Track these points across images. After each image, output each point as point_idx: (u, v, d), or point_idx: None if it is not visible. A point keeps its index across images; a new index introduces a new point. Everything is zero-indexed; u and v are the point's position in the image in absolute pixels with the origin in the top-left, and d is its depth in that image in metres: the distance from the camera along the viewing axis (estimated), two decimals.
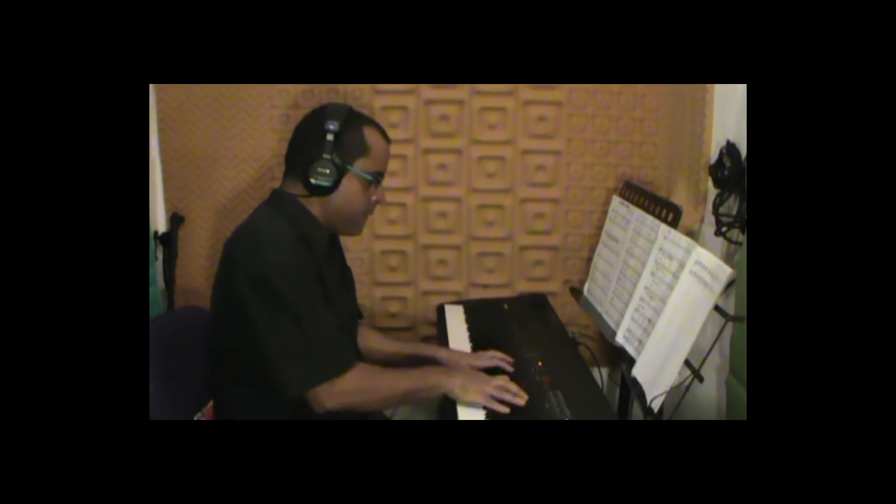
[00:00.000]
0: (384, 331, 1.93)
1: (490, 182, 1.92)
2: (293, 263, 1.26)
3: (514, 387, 1.33)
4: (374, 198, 1.41)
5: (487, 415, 1.28)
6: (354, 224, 1.42)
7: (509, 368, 1.47)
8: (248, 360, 1.29)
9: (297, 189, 1.36)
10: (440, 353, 1.56)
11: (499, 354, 1.51)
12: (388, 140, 1.42)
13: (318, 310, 1.28)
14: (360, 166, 1.36)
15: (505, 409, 1.28)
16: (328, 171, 1.32)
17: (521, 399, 1.30)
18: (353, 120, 1.36)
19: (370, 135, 1.37)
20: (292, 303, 1.24)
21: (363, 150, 1.35)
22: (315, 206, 1.36)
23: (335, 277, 1.46)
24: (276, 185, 1.48)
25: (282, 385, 1.26)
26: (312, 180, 1.32)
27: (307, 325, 1.26)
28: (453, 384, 1.32)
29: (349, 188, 1.35)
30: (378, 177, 1.40)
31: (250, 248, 1.27)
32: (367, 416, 1.50)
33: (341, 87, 1.85)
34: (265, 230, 1.31)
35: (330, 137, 1.32)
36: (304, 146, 1.36)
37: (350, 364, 1.29)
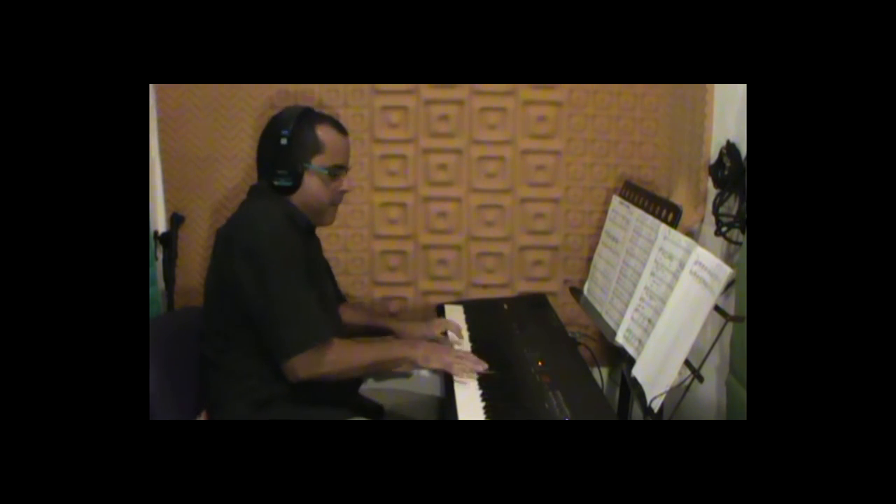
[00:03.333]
0: None
1: (490, 182, 1.92)
2: (285, 238, 1.36)
3: (472, 357, 1.44)
4: (339, 189, 1.49)
5: (487, 415, 1.29)
6: (323, 214, 1.50)
7: (457, 337, 1.62)
8: (243, 334, 1.36)
9: (268, 189, 1.45)
10: (396, 325, 1.72)
11: (451, 323, 1.66)
12: (343, 133, 1.49)
13: (301, 284, 1.36)
14: (316, 163, 1.43)
15: (467, 378, 1.39)
16: (286, 172, 1.41)
17: (481, 366, 1.42)
18: (305, 121, 1.44)
19: (323, 132, 1.44)
20: (281, 273, 1.33)
21: (317, 147, 1.43)
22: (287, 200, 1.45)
23: (318, 261, 1.55)
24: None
25: (276, 350, 1.34)
26: (275, 182, 1.42)
27: (292, 296, 1.34)
28: (416, 355, 1.43)
29: (310, 184, 1.44)
30: (336, 169, 1.47)
31: (247, 227, 1.37)
32: (361, 408, 1.51)
33: (341, 87, 1.85)
34: (259, 211, 1.40)
35: (284, 141, 1.40)
36: (265, 152, 1.45)
37: (326, 338, 1.35)
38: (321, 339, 1.34)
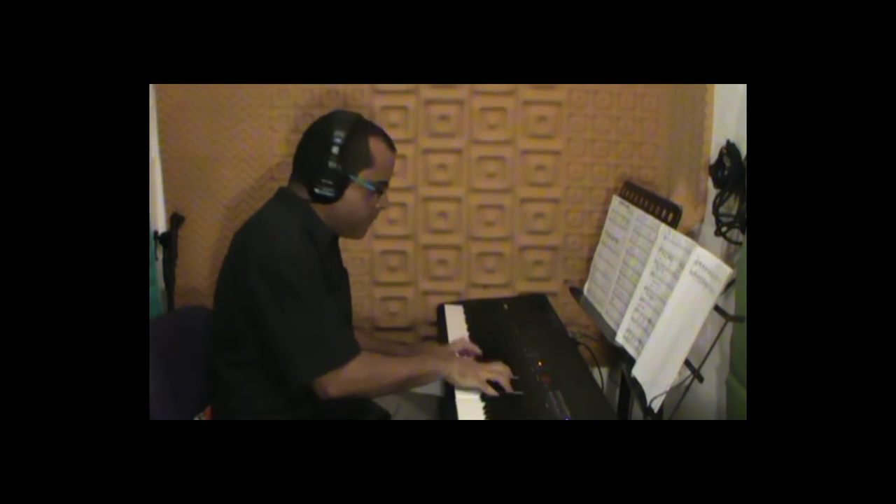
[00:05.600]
0: (384, 331, 1.95)
1: (490, 182, 1.92)
2: (302, 256, 1.30)
3: (507, 372, 1.38)
4: (377, 205, 1.44)
5: (487, 415, 1.29)
6: (357, 229, 1.46)
7: (477, 351, 1.53)
8: (255, 350, 1.33)
9: (302, 193, 1.39)
10: (417, 350, 1.66)
11: (467, 343, 1.57)
12: (393, 150, 1.44)
13: (323, 301, 1.32)
14: (364, 177, 1.38)
15: (495, 392, 1.34)
16: (332, 182, 1.35)
17: (510, 388, 1.35)
18: (360, 130, 1.38)
19: (375, 145, 1.39)
20: (301, 293, 1.28)
21: (368, 160, 1.38)
22: (319, 210, 1.39)
23: (335, 276, 1.49)
24: (276, 185, 1.49)
25: (290, 373, 1.30)
26: (317, 190, 1.36)
27: (314, 315, 1.30)
28: (451, 370, 1.37)
29: (352, 197, 1.38)
30: (381, 186, 1.42)
31: (262, 241, 1.31)
32: (368, 416, 1.51)
33: (341, 87, 1.85)
34: (275, 223, 1.35)
35: (335, 149, 1.34)
36: (310, 153, 1.39)
37: (354, 353, 1.32)
38: (348, 355, 1.31)
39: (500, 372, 1.37)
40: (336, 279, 1.50)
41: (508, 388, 1.35)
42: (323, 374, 1.28)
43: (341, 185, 1.36)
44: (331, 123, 1.38)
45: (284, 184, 1.46)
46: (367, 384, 1.33)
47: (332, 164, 1.34)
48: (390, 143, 1.43)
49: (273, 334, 1.29)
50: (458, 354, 1.53)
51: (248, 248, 1.32)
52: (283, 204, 1.41)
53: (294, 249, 1.29)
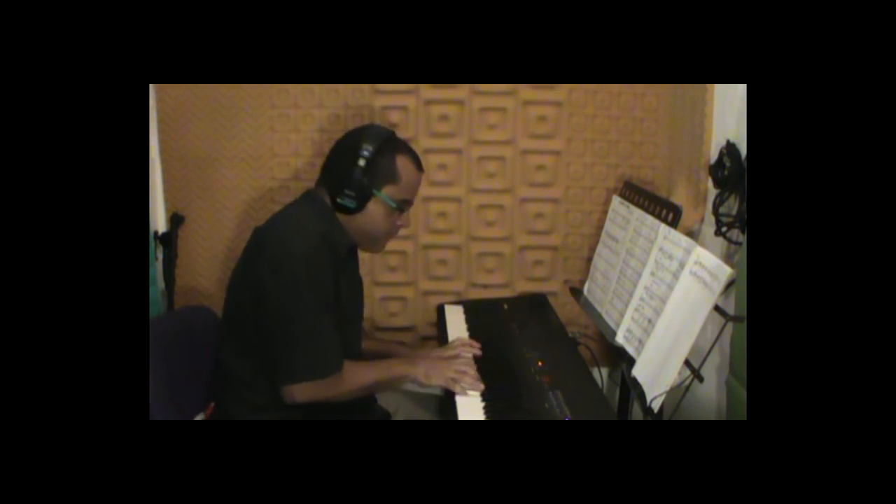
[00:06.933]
0: (384, 331, 1.95)
1: (490, 182, 1.92)
2: (314, 260, 1.31)
3: (472, 372, 1.39)
4: (398, 223, 1.45)
5: (487, 415, 1.29)
6: (375, 244, 1.48)
7: (476, 352, 1.51)
8: (258, 343, 1.34)
9: (326, 199, 1.41)
10: (407, 352, 1.64)
11: (466, 342, 1.54)
12: (420, 170, 1.46)
13: (323, 310, 1.33)
14: (387, 193, 1.40)
15: (466, 393, 1.35)
16: (354, 194, 1.37)
17: (478, 387, 1.36)
18: (389, 146, 1.40)
19: (402, 163, 1.41)
20: (303, 297, 1.30)
21: (393, 177, 1.40)
22: (341, 219, 1.41)
23: (351, 282, 1.50)
24: (277, 185, 1.49)
25: (274, 371, 1.32)
26: (339, 199, 1.38)
27: (307, 323, 1.31)
28: (417, 372, 1.39)
29: (373, 212, 1.40)
30: (404, 205, 1.44)
31: (280, 237, 1.34)
32: (368, 416, 1.51)
33: (341, 87, 1.85)
34: (296, 224, 1.37)
35: (362, 162, 1.36)
36: (338, 163, 1.41)
37: (331, 371, 1.33)
38: (328, 372, 1.32)
39: (463, 373, 1.38)
40: (351, 286, 1.50)
41: (476, 385, 1.36)
42: (294, 383, 1.31)
43: (364, 197, 1.38)
44: (362, 136, 1.40)
45: (284, 184, 1.46)
46: (334, 391, 1.34)
47: (357, 177, 1.37)
48: (418, 164, 1.46)
49: (269, 330, 1.31)
50: (428, 355, 1.51)
51: (264, 244, 1.34)
52: (308, 206, 1.42)
53: (308, 252, 1.31)
